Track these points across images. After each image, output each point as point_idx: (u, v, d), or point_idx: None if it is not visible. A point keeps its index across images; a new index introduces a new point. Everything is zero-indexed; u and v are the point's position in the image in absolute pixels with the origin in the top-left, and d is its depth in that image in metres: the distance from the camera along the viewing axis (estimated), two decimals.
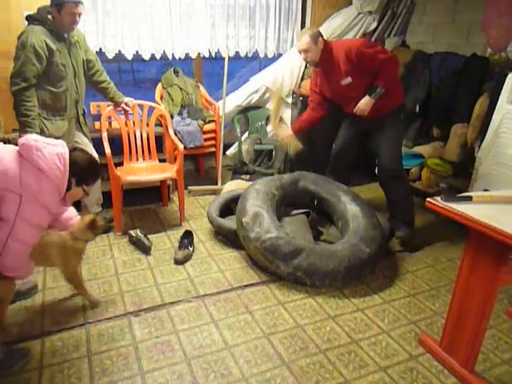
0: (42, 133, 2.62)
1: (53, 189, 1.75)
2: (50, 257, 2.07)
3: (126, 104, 3.19)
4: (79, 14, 2.59)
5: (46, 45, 2.53)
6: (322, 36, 2.78)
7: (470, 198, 1.74)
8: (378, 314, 2.28)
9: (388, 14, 4.30)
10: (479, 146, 3.15)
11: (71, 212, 2.21)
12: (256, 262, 2.67)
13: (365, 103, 2.78)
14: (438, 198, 1.76)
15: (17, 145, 1.80)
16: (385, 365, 1.94)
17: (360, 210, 2.82)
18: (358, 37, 4.25)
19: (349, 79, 2.78)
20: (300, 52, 2.82)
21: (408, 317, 2.28)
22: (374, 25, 4.29)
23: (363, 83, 2.78)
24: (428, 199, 1.78)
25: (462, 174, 3.45)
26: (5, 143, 2.90)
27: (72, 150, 1.89)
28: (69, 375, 1.81)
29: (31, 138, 1.79)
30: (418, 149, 3.74)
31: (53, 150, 1.77)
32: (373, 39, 4.35)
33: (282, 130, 3.35)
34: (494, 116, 2.98)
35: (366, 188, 3.91)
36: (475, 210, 1.65)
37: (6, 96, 2.88)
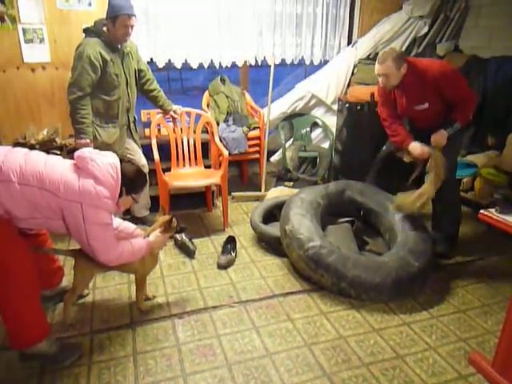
0: (94, 139, 2.76)
1: (108, 195, 1.85)
2: (132, 263, 2.13)
3: (175, 111, 3.28)
4: (132, 26, 2.70)
5: (101, 55, 2.65)
6: (405, 59, 2.56)
7: None
8: (425, 330, 2.20)
9: (440, 17, 4.16)
10: None
11: (128, 224, 2.29)
12: (298, 271, 2.65)
13: (442, 137, 2.60)
14: (493, 210, 1.68)
15: (72, 152, 1.92)
16: (431, 383, 1.85)
17: (409, 222, 2.72)
18: (407, 42, 4.16)
19: (426, 105, 2.61)
20: (379, 75, 2.61)
21: (457, 333, 2.17)
22: (426, 29, 4.16)
23: (438, 109, 2.63)
24: (481, 211, 1.71)
25: None
26: (61, 149, 3.13)
27: (120, 161, 1.98)
28: (115, 373, 1.88)
29: (85, 151, 1.92)
30: (471, 158, 3.58)
31: (105, 160, 1.88)
32: (424, 44, 4.23)
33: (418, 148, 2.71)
34: None
35: None
36: None
37: (64, 104, 3.06)
